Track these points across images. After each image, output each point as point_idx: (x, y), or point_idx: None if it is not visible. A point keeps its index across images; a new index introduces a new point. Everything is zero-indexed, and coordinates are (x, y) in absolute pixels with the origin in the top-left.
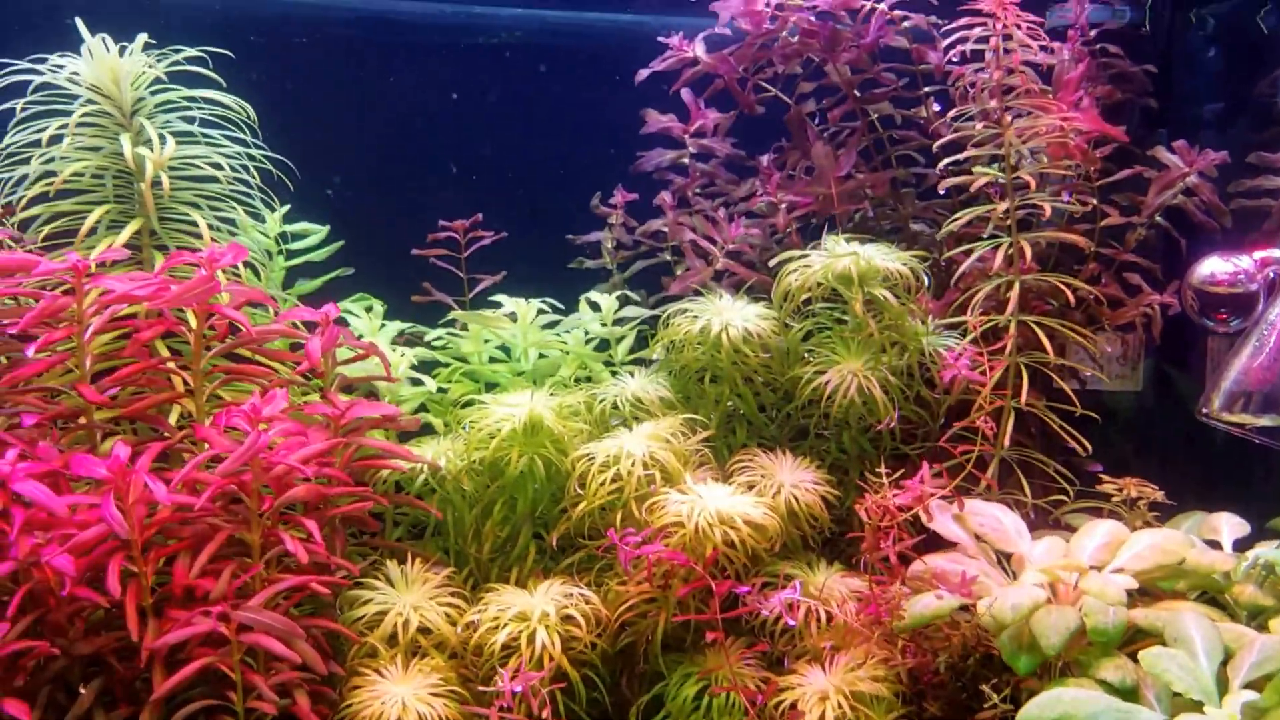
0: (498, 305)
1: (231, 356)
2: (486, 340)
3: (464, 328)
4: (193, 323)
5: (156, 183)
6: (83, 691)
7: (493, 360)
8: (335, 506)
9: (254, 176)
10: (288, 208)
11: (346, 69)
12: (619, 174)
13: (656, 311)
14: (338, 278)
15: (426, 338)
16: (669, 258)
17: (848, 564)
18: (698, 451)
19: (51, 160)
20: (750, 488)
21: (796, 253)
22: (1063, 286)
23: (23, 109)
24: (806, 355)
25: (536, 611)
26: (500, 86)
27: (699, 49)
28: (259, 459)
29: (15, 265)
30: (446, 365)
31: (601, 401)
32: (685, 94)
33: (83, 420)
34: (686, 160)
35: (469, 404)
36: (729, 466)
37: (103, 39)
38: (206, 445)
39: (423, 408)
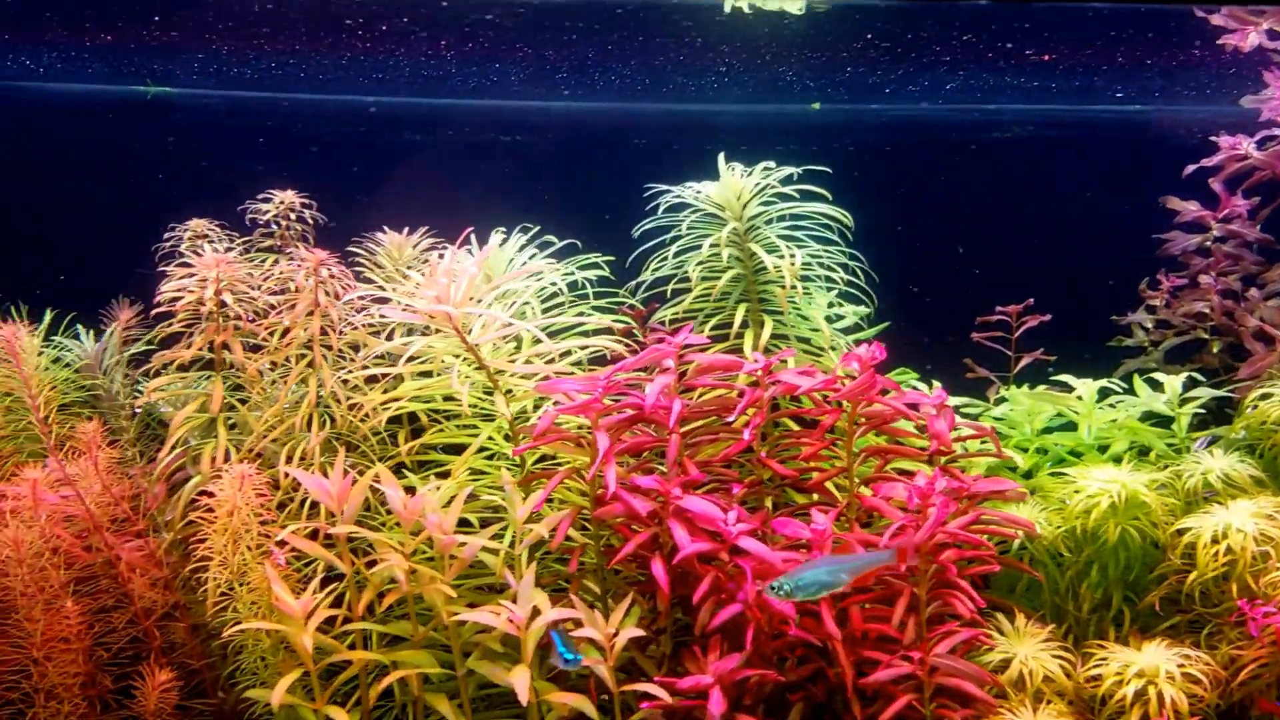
0: (1043, 382)
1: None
2: (1039, 414)
3: (1019, 401)
4: (847, 409)
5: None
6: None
7: (1044, 431)
8: (969, 567)
9: (838, 272)
10: (834, 293)
11: (897, 169)
12: (1128, 253)
13: (1223, 393)
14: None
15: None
16: (1206, 336)
17: None
18: None
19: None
20: None
21: None
22: None
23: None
24: None
25: (1161, 670)
26: (1018, 178)
27: (1250, 147)
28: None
29: (723, 365)
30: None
31: (1189, 478)
32: (1217, 185)
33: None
34: (1210, 244)
35: (1055, 474)
36: None
37: (730, 166)
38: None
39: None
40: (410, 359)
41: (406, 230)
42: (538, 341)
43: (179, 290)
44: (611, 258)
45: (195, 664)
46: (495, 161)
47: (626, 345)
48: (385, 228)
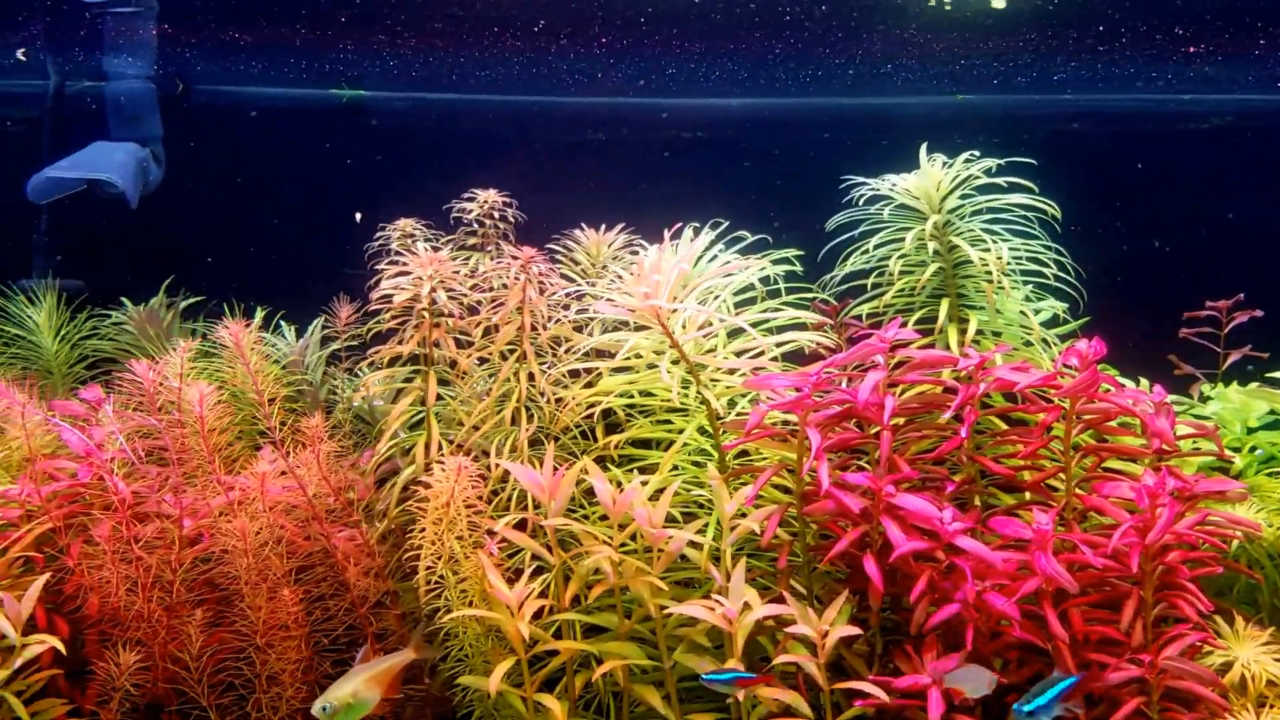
0: (1248, 380)
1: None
2: (1251, 413)
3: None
4: (1066, 406)
5: (964, 273)
6: None
7: (1252, 431)
8: (1193, 569)
9: (1041, 265)
10: (1029, 286)
11: (1093, 160)
12: None
13: None
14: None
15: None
16: None
17: None
18: None
19: (876, 258)
20: None
21: None
22: None
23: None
24: None
25: None
26: (1217, 170)
27: None
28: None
29: (935, 361)
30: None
31: None
32: None
33: (962, 485)
34: None
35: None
36: None
37: (931, 158)
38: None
39: None
40: (611, 354)
41: (603, 227)
42: (733, 337)
43: (394, 288)
44: (800, 252)
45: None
46: (681, 158)
47: (820, 341)
48: (583, 225)
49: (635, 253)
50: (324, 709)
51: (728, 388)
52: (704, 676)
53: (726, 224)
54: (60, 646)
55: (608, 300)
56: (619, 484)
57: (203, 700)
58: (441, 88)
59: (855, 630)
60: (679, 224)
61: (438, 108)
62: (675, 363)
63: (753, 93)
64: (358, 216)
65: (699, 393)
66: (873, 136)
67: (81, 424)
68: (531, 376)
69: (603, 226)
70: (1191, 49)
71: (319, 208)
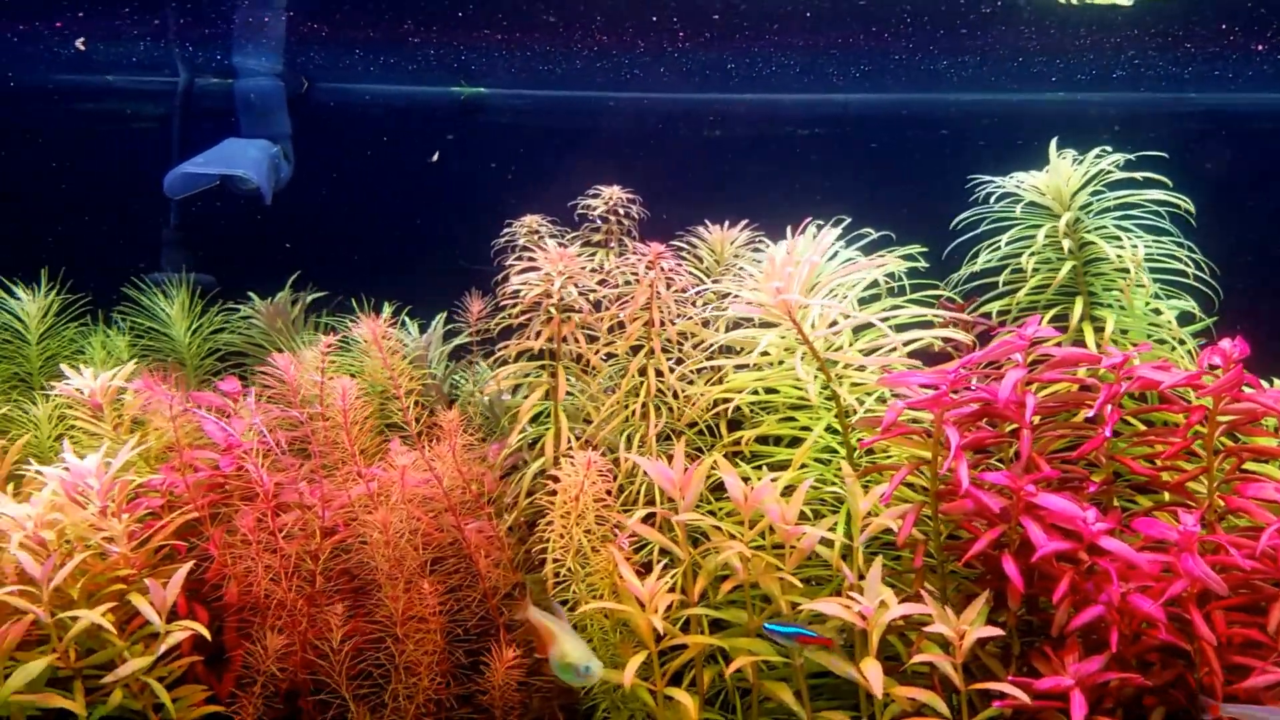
0: None
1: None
2: None
3: None
4: (1208, 405)
5: (1095, 270)
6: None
7: None
8: None
9: (1175, 263)
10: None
11: (1222, 158)
12: None
13: None
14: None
15: None
16: None
17: None
18: None
19: (999, 256)
20: None
21: None
22: None
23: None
24: None
25: None
26: None
27: None
28: None
29: (1076, 359)
30: None
31: None
32: None
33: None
34: None
35: None
36: None
37: (1061, 154)
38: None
39: None
40: (735, 351)
41: (726, 224)
42: (857, 334)
43: (523, 283)
44: (925, 248)
45: (533, 641)
46: (798, 155)
47: (948, 339)
48: (707, 221)
49: (757, 249)
50: (586, 669)
51: (854, 385)
52: (765, 625)
53: (849, 220)
54: (205, 633)
55: (736, 296)
56: (746, 480)
57: (342, 689)
58: (559, 85)
59: (996, 631)
60: (799, 220)
61: (555, 104)
62: (807, 359)
63: (870, 88)
64: (434, 156)
65: (829, 389)
66: (992, 133)
67: (222, 415)
68: (659, 372)
69: (725, 223)
70: None
71: (438, 204)
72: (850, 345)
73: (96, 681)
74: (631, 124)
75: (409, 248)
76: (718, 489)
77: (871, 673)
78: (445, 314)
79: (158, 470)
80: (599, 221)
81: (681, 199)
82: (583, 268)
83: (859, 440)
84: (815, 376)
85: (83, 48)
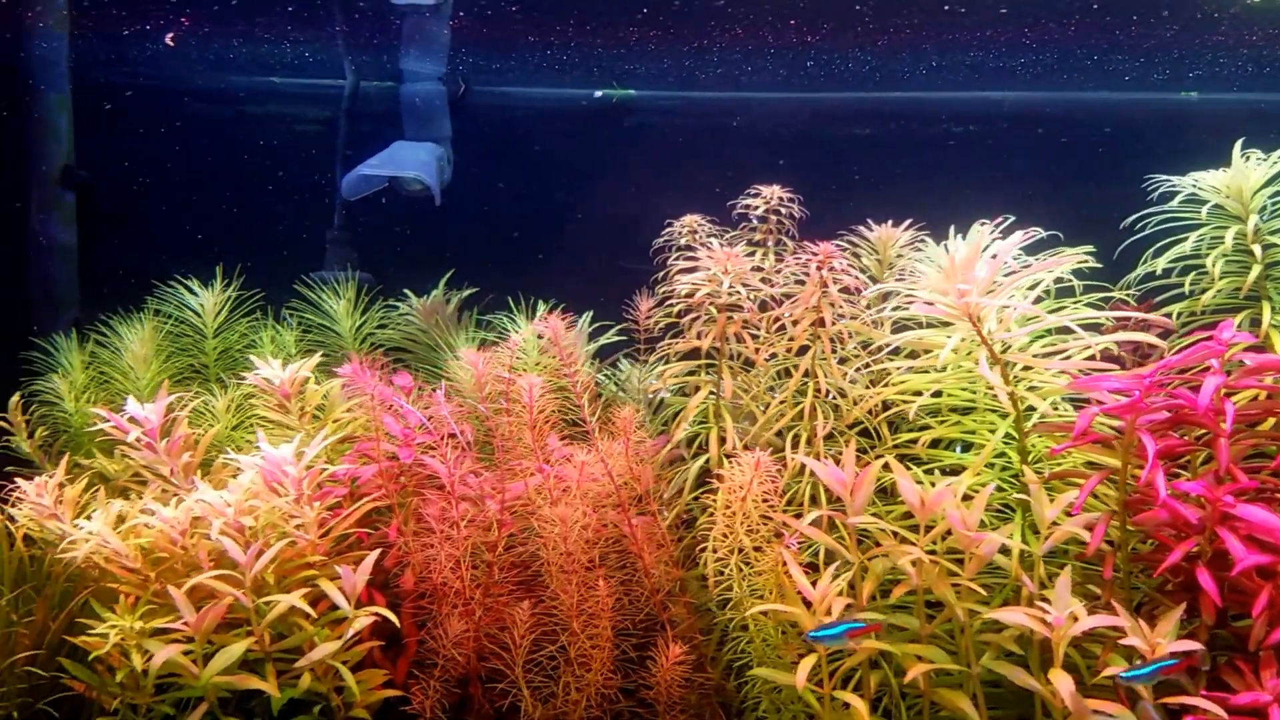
0: None
1: None
2: None
3: None
4: None
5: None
6: None
7: None
8: None
9: None
10: None
11: None
12: None
13: None
14: None
15: None
16: None
17: None
18: None
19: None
20: None
21: None
22: None
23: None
24: None
25: None
26: None
27: None
28: None
29: (1273, 365)
30: None
31: None
32: None
33: None
34: None
35: None
36: None
37: (1244, 153)
38: None
39: None
40: (898, 351)
41: (889, 222)
42: (1037, 337)
43: (690, 283)
44: (1094, 249)
45: (695, 640)
46: (954, 153)
47: (1123, 344)
48: (869, 220)
49: (917, 249)
50: None
51: (1032, 389)
52: (810, 634)
53: (1012, 220)
54: (395, 619)
55: (912, 297)
56: (918, 483)
57: (519, 678)
58: (707, 86)
59: (1195, 645)
60: (953, 221)
61: (704, 105)
62: (989, 363)
63: (1026, 86)
64: (598, 94)
65: (1010, 393)
66: (1160, 133)
67: (399, 408)
68: (829, 373)
69: (889, 222)
70: None
71: (585, 205)
72: (1022, 349)
73: (284, 664)
74: (782, 124)
75: (555, 247)
76: (880, 492)
77: (1062, 684)
78: (590, 313)
79: (339, 460)
80: (756, 221)
81: (830, 198)
82: (748, 267)
83: (1049, 447)
84: (999, 380)
85: (172, 44)
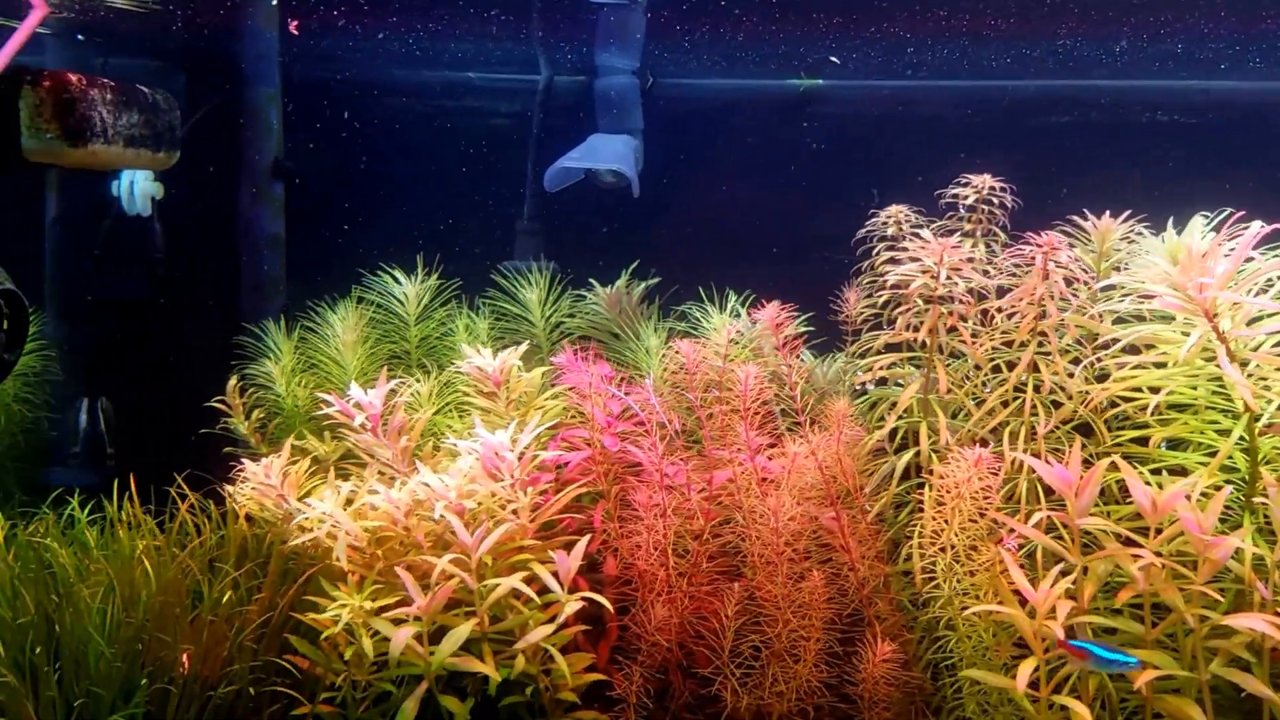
0: None
1: None
2: None
3: None
4: None
5: None
6: None
7: None
8: None
9: None
10: None
11: None
12: None
13: None
14: None
15: None
16: None
17: None
18: None
19: None
20: None
21: None
22: None
23: None
24: None
25: None
26: None
27: None
28: None
29: None
30: None
31: None
32: None
33: None
34: None
35: None
36: None
37: None
38: None
39: None
40: (1114, 348)
41: (1107, 214)
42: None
43: (902, 274)
44: None
45: (902, 637)
46: (1156, 143)
47: None
48: (1085, 210)
49: (1131, 241)
50: None
51: (1264, 388)
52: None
53: (1237, 212)
54: (608, 604)
55: (1147, 292)
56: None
57: (726, 667)
58: (895, 75)
59: None
60: (1165, 213)
61: (891, 94)
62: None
63: (1232, 75)
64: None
65: (1250, 392)
66: None
67: (606, 396)
68: (1055, 369)
69: (1106, 213)
70: None
71: (771, 195)
72: (1259, 347)
73: (496, 646)
74: (976, 113)
75: (740, 237)
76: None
77: None
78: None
79: (547, 446)
80: (964, 211)
81: (1037, 189)
82: (962, 258)
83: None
84: (1242, 378)
85: (295, 32)
